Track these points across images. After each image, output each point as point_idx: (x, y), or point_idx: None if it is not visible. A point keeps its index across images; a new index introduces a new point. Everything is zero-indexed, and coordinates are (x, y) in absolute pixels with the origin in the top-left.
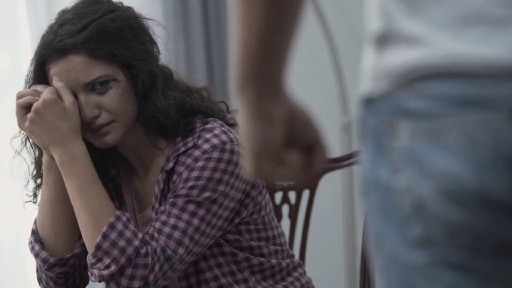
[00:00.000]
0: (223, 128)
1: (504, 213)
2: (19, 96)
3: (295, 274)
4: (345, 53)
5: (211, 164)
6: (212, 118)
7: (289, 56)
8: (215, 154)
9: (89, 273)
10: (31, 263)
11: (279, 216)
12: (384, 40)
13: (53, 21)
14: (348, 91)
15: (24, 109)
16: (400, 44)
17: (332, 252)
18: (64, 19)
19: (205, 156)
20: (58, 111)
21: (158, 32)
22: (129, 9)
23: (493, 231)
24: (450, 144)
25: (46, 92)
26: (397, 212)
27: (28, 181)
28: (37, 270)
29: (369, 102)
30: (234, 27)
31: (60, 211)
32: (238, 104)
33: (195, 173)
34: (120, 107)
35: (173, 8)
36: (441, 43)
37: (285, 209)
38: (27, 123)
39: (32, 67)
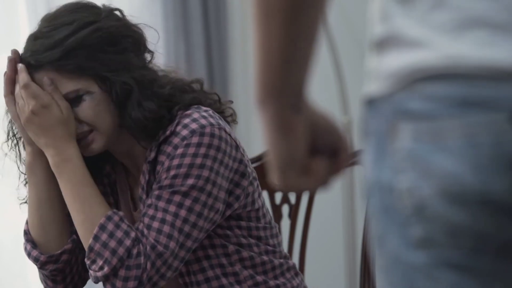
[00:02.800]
0: (203, 113)
1: (505, 214)
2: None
3: (288, 275)
4: (345, 53)
5: (191, 150)
6: (195, 106)
7: (309, 69)
8: (194, 139)
9: (89, 274)
10: (31, 263)
11: (279, 216)
12: (387, 43)
13: (35, 29)
14: (348, 91)
15: (11, 95)
16: (403, 47)
17: (332, 252)
18: (39, 31)
19: (184, 142)
20: (55, 115)
21: (153, 33)
22: (111, 15)
23: (494, 232)
24: (451, 145)
25: (43, 96)
26: (399, 213)
27: (19, 185)
28: (39, 270)
29: (372, 103)
30: (253, 43)
31: (47, 210)
32: (260, 118)
33: (176, 161)
34: (96, 118)
35: (173, 8)
36: (443, 46)
37: (285, 209)
38: (24, 121)
39: None
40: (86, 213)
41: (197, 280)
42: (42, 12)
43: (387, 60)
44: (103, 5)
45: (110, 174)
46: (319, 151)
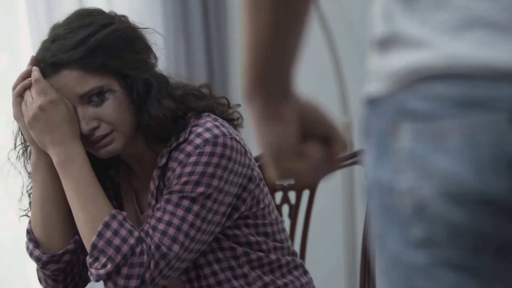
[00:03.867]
0: (216, 123)
1: (505, 214)
2: (14, 87)
3: (296, 273)
4: (345, 53)
5: (204, 159)
6: (206, 113)
7: (297, 60)
8: (208, 149)
9: (89, 274)
10: (31, 263)
11: None
12: (388, 43)
13: (46, 37)
14: (348, 91)
15: (20, 97)
16: (403, 47)
17: (332, 252)
18: (56, 34)
19: (198, 150)
20: (63, 112)
21: (156, 37)
22: (122, 20)
23: (495, 232)
24: (451, 145)
25: (52, 92)
26: (399, 213)
27: (22, 195)
28: (37, 270)
29: (372, 103)
30: (242, 34)
31: (50, 209)
32: (248, 109)
33: (188, 169)
34: (118, 117)
35: (173, 8)
36: (443, 46)
37: (285, 209)
38: (29, 119)
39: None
40: (91, 212)
41: (209, 283)
42: (42, 12)
43: (388, 59)
44: (110, 11)
45: (113, 177)
46: (311, 139)
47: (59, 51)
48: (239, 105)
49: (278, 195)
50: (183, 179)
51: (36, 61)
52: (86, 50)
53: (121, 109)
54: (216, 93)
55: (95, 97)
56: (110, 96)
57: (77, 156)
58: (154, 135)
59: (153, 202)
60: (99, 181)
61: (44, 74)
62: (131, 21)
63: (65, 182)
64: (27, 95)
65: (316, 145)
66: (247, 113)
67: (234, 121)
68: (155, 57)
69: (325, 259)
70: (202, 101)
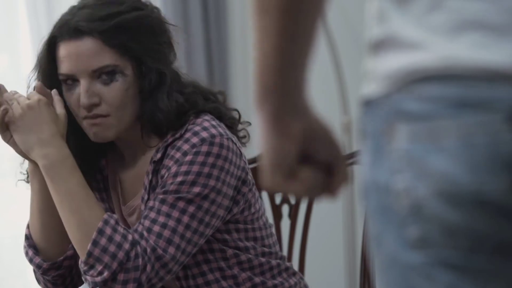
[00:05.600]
0: (213, 122)
1: (501, 215)
2: None
3: (285, 275)
4: (345, 53)
5: (200, 158)
6: (205, 113)
7: (307, 72)
8: (204, 148)
9: (83, 279)
10: None
11: (279, 216)
12: (384, 44)
13: (75, 4)
14: (348, 91)
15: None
16: (399, 48)
17: (332, 252)
18: (87, 3)
19: (194, 150)
20: (51, 112)
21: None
22: (154, 10)
23: (491, 232)
24: (447, 146)
25: (40, 96)
26: (395, 213)
27: (24, 160)
28: (35, 271)
29: (369, 104)
30: (252, 45)
31: (48, 217)
32: (257, 118)
33: (184, 168)
34: (121, 102)
35: (173, 8)
36: (439, 47)
37: (285, 209)
38: (15, 119)
39: (43, 43)
40: (84, 215)
41: (197, 283)
42: (42, 12)
43: (384, 61)
44: (146, 0)
45: (103, 168)
46: (313, 161)
47: (86, 19)
48: (249, 123)
49: (278, 195)
50: (179, 178)
51: (59, 22)
52: (112, 26)
53: (126, 94)
54: (230, 104)
55: (105, 75)
56: (120, 79)
57: (68, 158)
58: (154, 127)
59: (145, 197)
60: (91, 174)
61: (61, 36)
62: (162, 14)
63: (55, 185)
64: (12, 103)
65: (312, 169)
66: (257, 119)
67: (240, 139)
68: (175, 56)
69: (325, 259)
70: (211, 103)
